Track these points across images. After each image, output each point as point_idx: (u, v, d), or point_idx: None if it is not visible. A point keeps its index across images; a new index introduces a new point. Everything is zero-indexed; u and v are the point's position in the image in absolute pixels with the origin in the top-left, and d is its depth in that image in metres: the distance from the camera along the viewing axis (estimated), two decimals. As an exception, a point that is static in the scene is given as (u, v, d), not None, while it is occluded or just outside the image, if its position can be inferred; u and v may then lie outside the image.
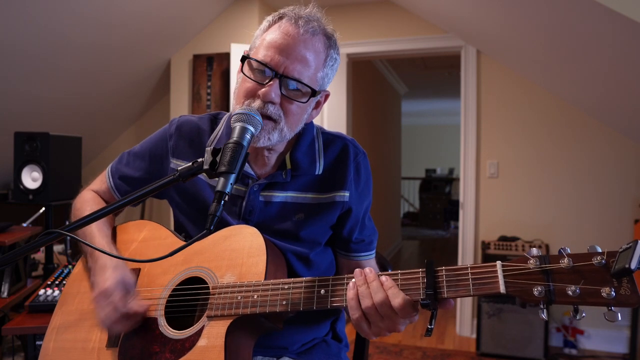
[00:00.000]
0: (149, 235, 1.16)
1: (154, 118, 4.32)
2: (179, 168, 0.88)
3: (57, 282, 1.63)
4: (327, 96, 1.13)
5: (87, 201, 1.22)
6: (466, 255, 3.52)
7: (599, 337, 3.28)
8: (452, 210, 8.81)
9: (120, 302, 0.98)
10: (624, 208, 3.22)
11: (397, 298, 0.84)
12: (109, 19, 2.98)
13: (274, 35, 1.02)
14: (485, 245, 3.27)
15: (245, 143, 0.89)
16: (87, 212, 1.15)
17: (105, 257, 1.06)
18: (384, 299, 0.84)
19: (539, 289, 0.76)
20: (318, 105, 1.12)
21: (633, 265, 0.69)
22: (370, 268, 0.90)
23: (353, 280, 0.89)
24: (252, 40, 1.09)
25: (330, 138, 1.17)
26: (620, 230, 3.21)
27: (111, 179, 1.23)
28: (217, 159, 0.86)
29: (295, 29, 1.00)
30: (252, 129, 0.93)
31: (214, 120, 1.21)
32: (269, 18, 1.07)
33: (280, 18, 1.04)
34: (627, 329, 3.18)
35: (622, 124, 3.13)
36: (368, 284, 0.87)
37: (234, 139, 0.89)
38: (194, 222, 1.16)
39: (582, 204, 3.30)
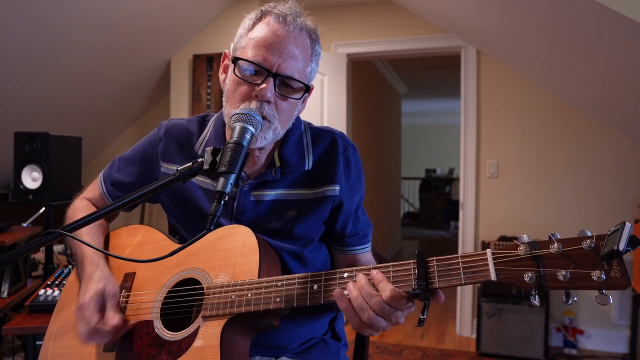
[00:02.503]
0: (143, 239, 1.16)
1: (154, 118, 4.32)
2: (179, 168, 0.88)
3: (57, 282, 1.63)
4: (311, 90, 1.13)
5: (79, 209, 1.22)
6: (466, 255, 3.52)
7: (599, 337, 3.28)
8: (452, 210, 8.81)
9: (92, 317, 0.97)
10: (624, 208, 3.22)
11: (386, 291, 0.84)
12: (109, 18, 2.98)
13: (261, 33, 1.01)
14: (486, 245, 3.27)
15: (245, 143, 0.89)
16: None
17: (92, 269, 1.05)
18: (379, 303, 0.84)
19: (530, 275, 0.76)
20: (305, 100, 1.12)
21: (621, 247, 0.69)
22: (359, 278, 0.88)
23: (346, 292, 0.87)
24: (235, 40, 1.08)
25: (318, 133, 1.17)
26: (620, 230, 3.21)
27: (103, 186, 1.24)
28: (217, 159, 0.86)
29: (283, 27, 1.00)
30: (252, 129, 0.93)
31: (203, 123, 1.20)
32: (251, 16, 1.06)
33: (264, 15, 1.04)
34: (627, 329, 3.18)
35: (622, 124, 3.13)
36: (363, 297, 0.86)
37: (234, 138, 0.88)
38: (187, 225, 1.16)
39: (582, 204, 3.30)
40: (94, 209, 1.23)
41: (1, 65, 2.75)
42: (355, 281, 0.88)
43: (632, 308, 2.96)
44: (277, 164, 1.11)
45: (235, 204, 1.11)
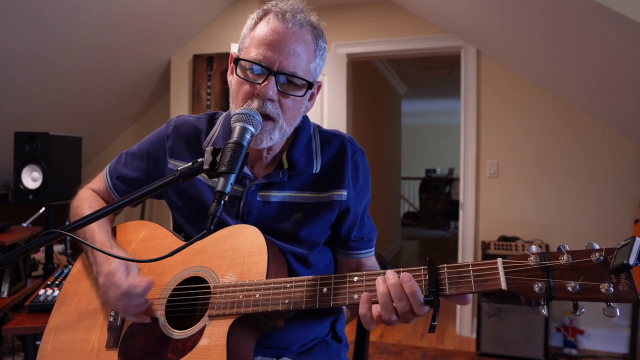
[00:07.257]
0: (148, 235, 1.16)
1: (154, 118, 4.32)
2: (179, 168, 0.88)
3: (57, 282, 1.63)
4: (319, 87, 1.12)
5: (85, 199, 1.22)
6: (466, 255, 3.52)
7: (599, 337, 3.28)
8: (452, 210, 8.81)
9: (123, 280, 1.00)
10: (624, 208, 3.22)
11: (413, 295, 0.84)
12: (109, 18, 2.98)
13: (262, 32, 1.01)
14: (486, 245, 3.27)
15: (245, 143, 0.89)
16: (85, 211, 1.16)
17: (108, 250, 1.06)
18: (405, 306, 0.84)
19: (540, 285, 0.78)
20: (312, 96, 1.12)
21: (631, 261, 0.70)
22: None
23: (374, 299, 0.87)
24: (240, 40, 1.09)
25: (327, 136, 1.17)
26: (620, 230, 3.21)
27: (109, 179, 1.24)
28: (217, 159, 0.86)
29: (283, 24, 1.00)
30: (252, 129, 0.92)
31: (211, 120, 1.20)
32: (253, 16, 1.06)
33: (265, 14, 1.04)
34: (627, 329, 3.18)
35: (622, 124, 3.13)
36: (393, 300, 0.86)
37: (234, 139, 0.88)
38: (193, 223, 1.16)
39: (582, 204, 3.30)
40: (100, 200, 1.23)
41: (1, 65, 2.75)
42: (384, 277, 0.87)
43: (632, 308, 2.96)
44: (285, 165, 1.11)
45: (242, 204, 1.10)
